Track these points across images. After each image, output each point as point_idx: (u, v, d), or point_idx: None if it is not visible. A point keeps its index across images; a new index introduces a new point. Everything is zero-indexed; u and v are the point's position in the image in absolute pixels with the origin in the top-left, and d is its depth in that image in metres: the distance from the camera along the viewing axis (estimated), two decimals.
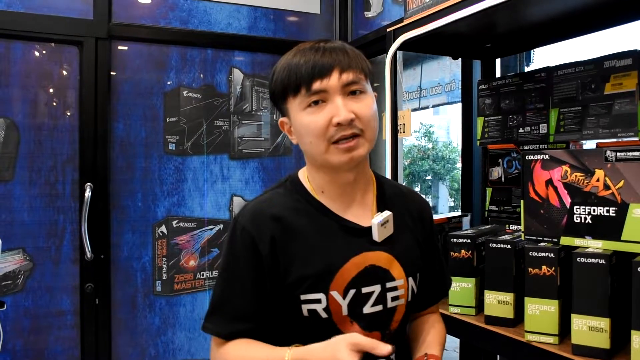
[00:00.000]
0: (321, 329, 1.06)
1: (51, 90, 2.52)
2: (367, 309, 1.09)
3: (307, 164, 1.16)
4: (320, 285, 1.06)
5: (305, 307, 1.06)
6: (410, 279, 1.14)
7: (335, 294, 1.06)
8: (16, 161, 2.44)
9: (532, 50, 2.26)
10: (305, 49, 1.07)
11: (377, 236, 1.10)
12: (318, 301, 1.05)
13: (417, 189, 14.12)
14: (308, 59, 1.05)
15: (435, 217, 1.66)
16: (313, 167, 1.13)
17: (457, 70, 2.25)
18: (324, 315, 1.06)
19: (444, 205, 13.90)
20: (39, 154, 2.48)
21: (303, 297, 1.05)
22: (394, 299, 1.12)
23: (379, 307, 1.10)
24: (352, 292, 1.07)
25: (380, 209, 1.15)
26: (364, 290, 1.08)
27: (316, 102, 1.04)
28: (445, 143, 14.03)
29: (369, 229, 1.11)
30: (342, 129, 1.03)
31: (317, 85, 1.03)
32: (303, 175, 1.16)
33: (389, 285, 1.11)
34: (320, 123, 1.03)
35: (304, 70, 1.04)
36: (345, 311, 1.07)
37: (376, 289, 1.09)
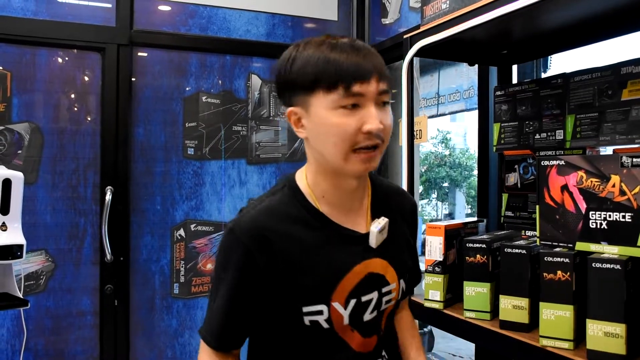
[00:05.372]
0: (322, 338, 1.06)
1: (74, 95, 2.58)
2: (367, 316, 1.09)
3: (310, 166, 1.11)
4: (321, 297, 1.04)
5: (306, 318, 1.04)
6: (401, 280, 1.16)
7: (336, 305, 1.05)
8: (40, 164, 2.50)
9: (549, 57, 2.26)
10: (342, 44, 1.00)
11: (374, 243, 1.10)
12: (320, 312, 1.04)
13: (433, 196, 14.05)
14: (349, 57, 0.98)
15: (451, 222, 1.67)
16: (318, 169, 1.08)
17: (474, 76, 2.24)
18: (325, 325, 1.04)
19: (461, 212, 13.81)
20: (62, 158, 2.54)
21: (305, 309, 1.03)
22: (387, 302, 1.13)
23: (376, 313, 1.11)
24: (352, 301, 1.06)
25: (375, 214, 1.14)
26: (364, 298, 1.08)
27: (353, 106, 0.98)
28: (462, 150, 13.96)
29: (366, 235, 1.10)
30: (369, 138, 0.99)
31: (356, 87, 0.97)
32: (301, 179, 1.11)
33: (384, 290, 1.12)
34: (352, 127, 0.98)
35: (345, 67, 0.97)
36: (346, 321, 1.06)
37: (374, 296, 1.10)
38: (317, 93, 0.99)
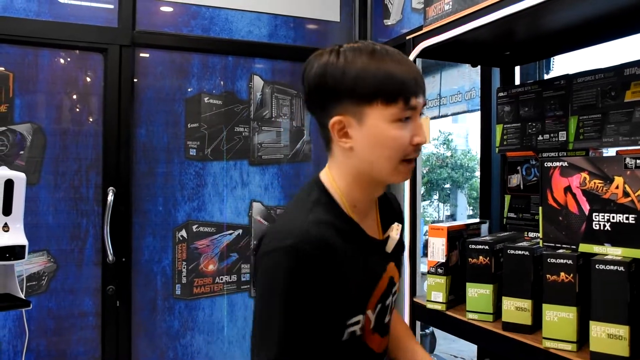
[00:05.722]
0: (353, 346, 1.04)
1: (76, 96, 2.59)
2: (387, 318, 1.13)
3: (345, 175, 1.06)
4: (361, 307, 1.04)
5: (347, 330, 1.02)
6: (401, 278, 1.21)
7: (369, 313, 1.05)
8: (42, 165, 2.50)
9: (552, 58, 2.26)
10: (393, 55, 1.00)
11: (391, 248, 1.12)
12: (358, 323, 1.03)
13: (435, 197, 14.04)
14: (408, 70, 0.99)
15: (454, 223, 1.67)
16: (357, 179, 1.05)
17: (476, 78, 2.25)
18: (358, 333, 1.04)
19: (463, 213, 13.80)
20: (64, 159, 2.54)
21: (349, 321, 1.02)
22: (394, 301, 1.17)
23: (389, 313, 1.15)
24: (379, 306, 1.08)
25: (383, 219, 1.17)
26: (387, 302, 1.11)
27: (407, 119, 0.99)
28: (464, 151, 13.95)
29: (383, 241, 1.12)
30: (416, 150, 1.02)
31: (413, 101, 0.99)
32: (333, 188, 1.07)
33: (394, 290, 1.15)
34: (406, 140, 1.00)
35: (406, 82, 0.98)
36: (372, 325, 1.07)
37: (391, 298, 1.13)
38: (374, 104, 0.98)
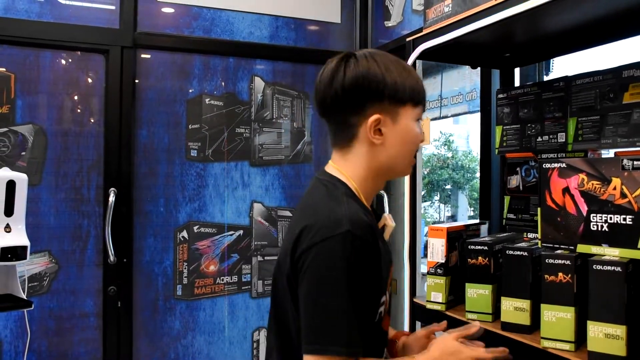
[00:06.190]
0: (377, 327, 1.13)
1: (77, 97, 2.60)
2: (387, 298, 1.19)
3: (361, 170, 1.15)
4: (385, 288, 1.15)
5: (378, 311, 1.11)
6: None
7: (388, 293, 1.18)
8: (43, 166, 2.51)
9: (551, 60, 2.27)
10: (411, 67, 1.20)
11: (388, 236, 1.24)
12: (384, 303, 1.14)
13: (436, 198, 14.02)
14: (420, 79, 1.18)
15: (453, 224, 1.68)
16: (373, 173, 1.16)
17: (477, 79, 2.26)
18: (383, 314, 1.14)
19: (463, 214, 13.79)
20: (65, 160, 2.55)
21: (381, 300, 1.12)
22: None
23: None
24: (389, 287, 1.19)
25: None
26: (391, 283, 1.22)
27: (419, 120, 1.17)
28: (465, 152, 13.94)
29: (381, 229, 1.24)
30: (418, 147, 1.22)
31: (425, 105, 1.20)
32: (349, 182, 1.15)
33: None
34: (421, 137, 1.19)
35: (424, 88, 1.18)
36: (388, 305, 1.19)
37: None
38: (407, 106, 1.14)
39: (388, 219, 1.22)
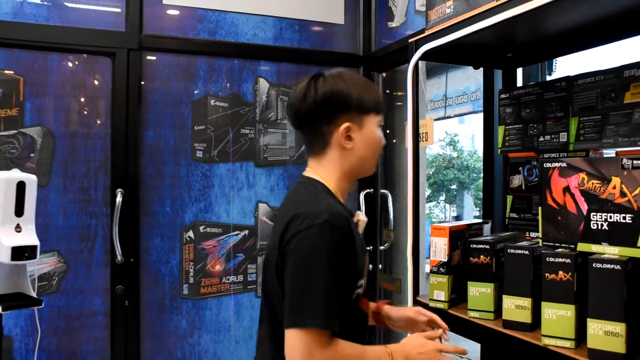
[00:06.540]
0: (353, 305, 1.26)
1: (85, 99, 2.63)
2: (364, 282, 1.32)
3: (337, 172, 1.32)
4: (362, 272, 1.28)
5: (356, 292, 1.25)
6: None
7: (364, 278, 1.30)
8: (52, 167, 2.55)
9: (554, 60, 2.28)
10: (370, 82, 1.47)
11: (361, 230, 1.35)
12: (361, 286, 1.28)
13: (441, 198, 14.01)
14: (379, 92, 1.44)
15: (456, 223, 1.69)
16: (345, 175, 1.33)
17: (482, 79, 2.27)
18: (361, 293, 1.28)
19: (469, 214, 13.77)
20: (73, 161, 2.59)
21: (358, 283, 1.26)
22: None
23: None
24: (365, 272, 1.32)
25: None
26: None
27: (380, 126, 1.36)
28: (470, 152, 13.92)
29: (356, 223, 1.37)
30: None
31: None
32: (326, 183, 1.32)
33: None
34: (384, 141, 1.38)
35: (382, 100, 1.38)
36: (364, 288, 1.31)
37: None
38: (370, 114, 1.32)
39: (360, 215, 1.36)
